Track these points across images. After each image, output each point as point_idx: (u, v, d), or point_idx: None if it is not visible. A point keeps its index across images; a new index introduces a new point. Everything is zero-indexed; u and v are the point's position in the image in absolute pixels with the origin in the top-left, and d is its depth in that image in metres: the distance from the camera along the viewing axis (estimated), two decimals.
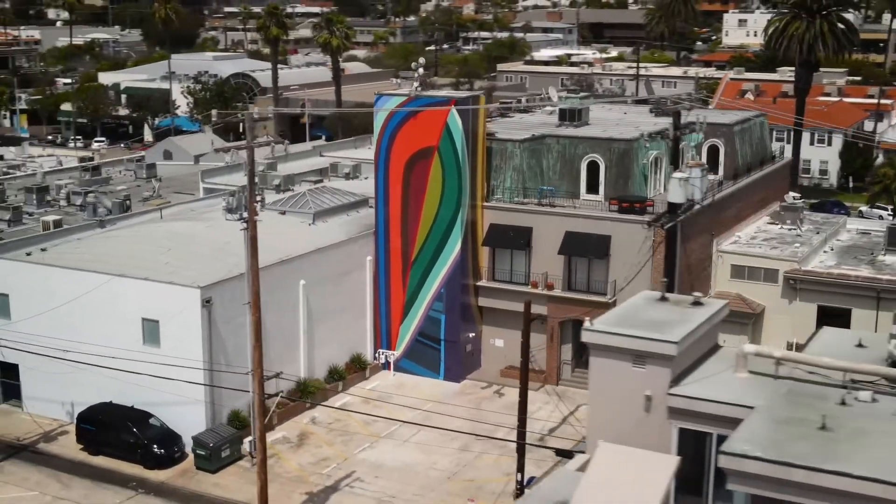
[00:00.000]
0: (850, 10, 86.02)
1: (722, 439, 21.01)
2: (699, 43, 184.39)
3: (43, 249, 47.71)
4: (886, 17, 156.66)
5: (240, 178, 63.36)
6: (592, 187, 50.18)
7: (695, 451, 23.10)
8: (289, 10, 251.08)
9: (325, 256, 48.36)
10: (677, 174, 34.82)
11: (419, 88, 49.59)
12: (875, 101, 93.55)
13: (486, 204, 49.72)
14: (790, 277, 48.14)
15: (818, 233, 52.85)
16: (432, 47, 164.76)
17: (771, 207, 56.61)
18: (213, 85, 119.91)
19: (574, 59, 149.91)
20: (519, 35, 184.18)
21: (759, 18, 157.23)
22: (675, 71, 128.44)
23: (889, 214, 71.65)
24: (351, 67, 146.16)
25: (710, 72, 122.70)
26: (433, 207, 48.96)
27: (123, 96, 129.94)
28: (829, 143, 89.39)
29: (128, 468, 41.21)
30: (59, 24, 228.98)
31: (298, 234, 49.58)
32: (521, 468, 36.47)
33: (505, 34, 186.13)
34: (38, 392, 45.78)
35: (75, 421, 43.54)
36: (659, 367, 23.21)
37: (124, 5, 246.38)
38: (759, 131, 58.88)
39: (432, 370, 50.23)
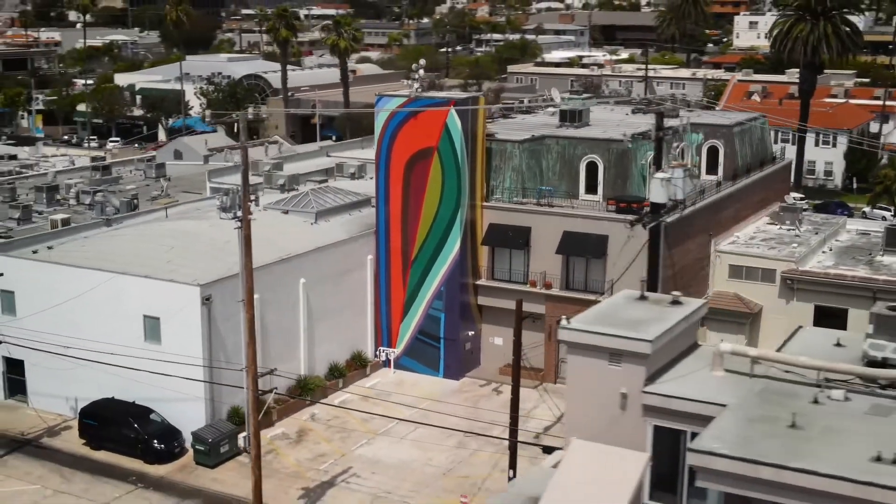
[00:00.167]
0: (855, 12, 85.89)
1: (696, 437, 21.22)
2: (710, 45, 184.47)
3: (49, 247, 48.44)
4: None
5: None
6: (591, 187, 50.58)
7: (669, 448, 23.38)
8: (304, 12, 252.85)
9: (326, 255, 48.93)
10: (659, 174, 35.24)
11: (419, 89, 50.14)
12: (881, 102, 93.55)
13: (485, 204, 50.22)
14: (787, 277, 48.37)
15: (817, 233, 53.05)
16: (446, 49, 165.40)
17: (771, 208, 56.82)
18: (225, 86, 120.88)
19: (585, 60, 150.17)
20: (530, 37, 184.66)
21: (770, 21, 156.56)
22: (684, 73, 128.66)
23: (892, 215, 71.73)
24: (363, 69, 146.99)
25: (719, 74, 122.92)
26: (433, 207, 49.48)
27: (138, 97, 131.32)
28: (834, 145, 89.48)
29: (128, 463, 41.88)
30: (78, 26, 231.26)
31: (300, 233, 50.17)
32: (513, 465, 36.91)
33: (517, 36, 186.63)
34: (43, 388, 46.52)
35: (78, 416, 44.26)
36: (634, 365, 23.47)
37: (143, 7, 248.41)
38: (759, 132, 59.14)
39: (432, 368, 50.74)
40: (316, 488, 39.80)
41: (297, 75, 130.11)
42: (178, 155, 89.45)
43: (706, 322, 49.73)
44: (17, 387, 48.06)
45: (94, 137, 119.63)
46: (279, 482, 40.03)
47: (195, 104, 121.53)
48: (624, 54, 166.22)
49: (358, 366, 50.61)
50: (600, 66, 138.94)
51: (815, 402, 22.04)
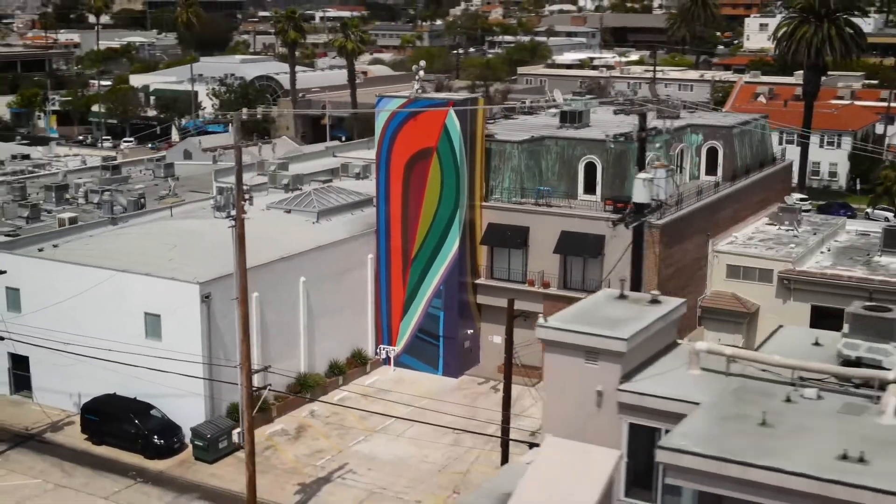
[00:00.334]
0: (859, 14, 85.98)
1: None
2: (721, 47, 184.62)
3: (55, 245, 49.19)
4: None
5: (250, 177, 64.92)
6: (590, 188, 50.97)
7: (644, 445, 23.52)
8: (320, 14, 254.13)
9: (326, 254, 49.49)
10: (641, 175, 35.68)
11: (420, 90, 50.66)
12: (886, 104, 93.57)
13: (484, 203, 50.67)
14: (784, 277, 48.66)
15: (815, 234, 53.30)
16: (459, 51, 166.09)
17: (771, 208, 57.08)
18: (237, 87, 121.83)
19: (595, 62, 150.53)
20: (541, 39, 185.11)
21: None
22: (692, 74, 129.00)
23: (895, 216, 71.82)
24: (374, 70, 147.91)
25: (727, 75, 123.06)
26: (432, 207, 49.99)
27: (152, 98, 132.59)
28: (839, 146, 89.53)
29: (129, 458, 42.49)
30: (97, 27, 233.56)
31: (301, 233, 50.75)
32: (505, 462, 37.26)
33: (528, 38, 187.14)
34: (48, 383, 47.20)
35: (80, 412, 44.92)
36: (610, 364, 23.65)
37: (161, 9, 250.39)
38: (759, 133, 59.39)
39: (431, 366, 51.23)
40: (312, 484, 40.33)
41: (308, 76, 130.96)
42: (187, 155, 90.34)
43: (704, 321, 50.26)
44: (22, 382, 48.78)
45: (109, 138, 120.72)
46: (276, 478, 40.59)
47: (207, 105, 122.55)
48: (634, 56, 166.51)
49: (358, 363, 51.14)
50: (610, 67, 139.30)
51: (788, 400, 22.03)
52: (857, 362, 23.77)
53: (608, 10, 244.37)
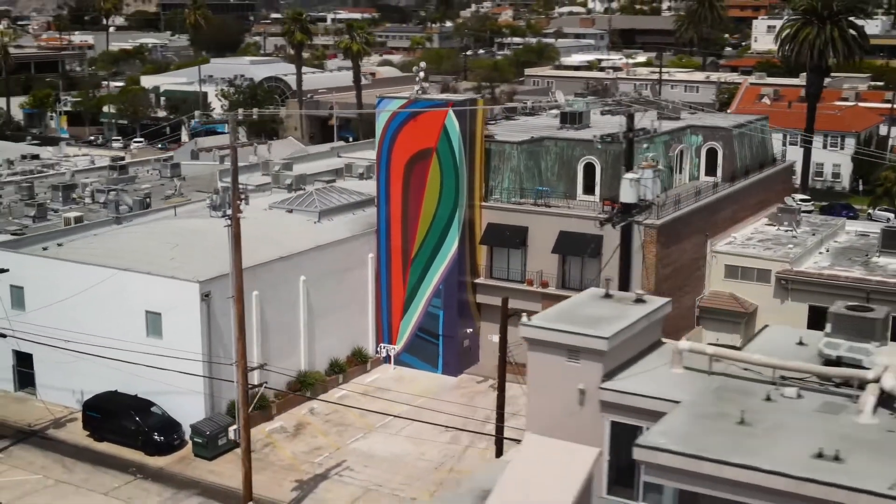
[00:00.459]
0: (861, 16, 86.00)
1: None
2: (728, 49, 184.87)
3: (59, 244, 49.74)
4: None
5: (255, 178, 65.45)
6: (589, 188, 51.29)
7: (626, 443, 23.62)
8: (331, 16, 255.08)
9: (326, 253, 49.91)
10: (629, 175, 35.95)
11: (420, 91, 51.06)
12: (890, 105, 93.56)
13: (483, 203, 51.03)
14: (782, 278, 48.89)
15: (814, 234, 53.50)
16: (464, 52, 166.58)
17: (771, 209, 57.28)
18: (246, 88, 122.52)
19: (603, 64, 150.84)
20: (549, 41, 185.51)
21: None
22: (698, 76, 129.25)
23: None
24: (382, 72, 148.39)
25: (734, 77, 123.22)
26: (431, 207, 50.38)
27: (162, 99, 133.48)
28: (842, 147, 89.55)
29: (129, 454, 42.96)
30: (112, 29, 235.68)
31: (303, 232, 51.19)
32: None
33: (536, 40, 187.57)
34: (51, 380, 47.74)
35: (81, 408, 45.44)
36: (591, 362, 23.78)
37: (175, 11, 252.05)
38: (759, 135, 59.58)
39: (431, 364, 51.61)
40: (309, 481, 40.73)
41: (316, 77, 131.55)
42: (194, 155, 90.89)
43: (702, 321, 50.52)
44: (26, 379, 49.35)
45: (119, 138, 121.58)
46: (274, 474, 41.00)
47: (216, 105, 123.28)
48: (642, 58, 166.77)
49: (359, 362, 51.56)
50: (617, 69, 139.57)
51: (768, 399, 22.12)
52: (838, 361, 23.94)
53: (617, 12, 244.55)
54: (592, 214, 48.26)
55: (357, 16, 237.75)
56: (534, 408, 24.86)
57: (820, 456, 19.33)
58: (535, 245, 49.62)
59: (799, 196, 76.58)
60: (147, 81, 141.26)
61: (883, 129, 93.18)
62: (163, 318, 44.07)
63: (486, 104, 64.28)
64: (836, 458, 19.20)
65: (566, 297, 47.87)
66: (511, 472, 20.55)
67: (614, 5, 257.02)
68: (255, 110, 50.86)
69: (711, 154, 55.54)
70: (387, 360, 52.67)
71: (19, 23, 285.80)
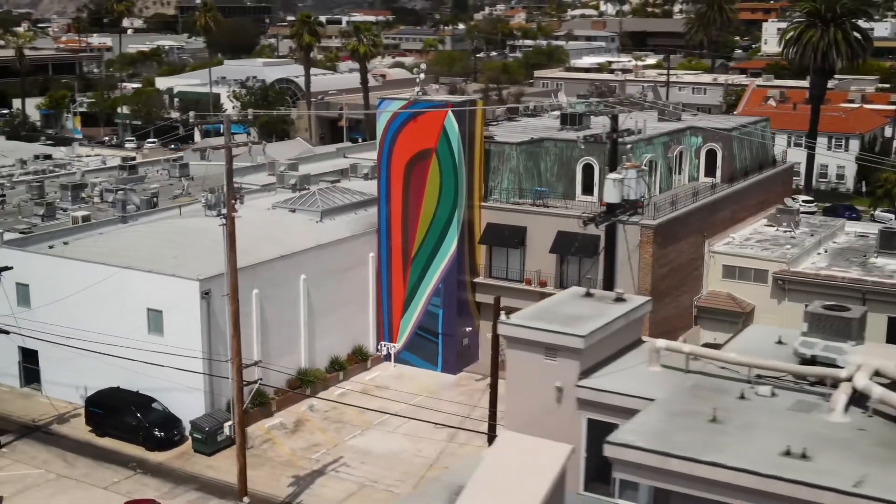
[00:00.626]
0: (864, 18, 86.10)
1: None
2: (738, 51, 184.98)
3: (65, 243, 50.46)
4: None
5: (261, 178, 66.14)
6: (588, 189, 51.67)
7: (603, 441, 24.09)
8: (346, 19, 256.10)
9: (327, 252, 50.47)
10: (612, 175, 36.31)
11: (420, 92, 51.59)
12: (895, 107, 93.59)
13: (483, 204, 51.50)
14: (779, 278, 49.16)
15: (812, 235, 53.74)
16: (474, 54, 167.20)
17: (771, 210, 57.53)
18: (257, 89, 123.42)
19: (613, 66, 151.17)
20: (560, 43, 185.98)
21: None
22: (706, 78, 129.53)
23: None
24: (392, 73, 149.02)
25: (741, 79, 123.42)
26: (431, 207, 50.89)
27: (176, 100, 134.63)
28: (847, 149, 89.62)
29: (130, 449, 43.61)
30: (130, 31, 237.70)
31: (304, 231, 51.76)
32: None
33: (547, 42, 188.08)
34: (56, 377, 48.47)
35: (84, 404, 46.13)
36: (568, 360, 24.15)
37: (192, 13, 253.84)
38: (760, 136, 59.85)
39: (431, 362, 52.12)
40: (306, 476, 41.26)
41: (327, 79, 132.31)
42: (203, 155, 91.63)
43: (699, 321, 50.87)
44: (31, 375, 50.10)
45: (133, 139, 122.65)
46: (271, 470, 41.57)
47: (228, 106, 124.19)
48: (651, 60, 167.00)
49: (359, 359, 52.11)
50: (627, 71, 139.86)
51: (742, 397, 22.32)
52: (813, 360, 24.17)
53: (628, 14, 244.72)
54: (577, 213, 48.66)
55: (371, 18, 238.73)
56: (512, 405, 25.19)
57: (788, 454, 19.49)
58: (533, 245, 50.05)
59: (802, 197, 76.78)
60: (162, 83, 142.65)
61: (888, 131, 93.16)
62: (164, 315, 44.69)
63: (494, 105, 64.75)
64: (804, 456, 19.36)
65: None
66: (484, 467, 20.87)
67: (626, 8, 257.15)
68: (250, 111, 51.13)
69: (711, 155, 55.85)
70: (387, 358, 53.20)
71: (40, 25, 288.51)
